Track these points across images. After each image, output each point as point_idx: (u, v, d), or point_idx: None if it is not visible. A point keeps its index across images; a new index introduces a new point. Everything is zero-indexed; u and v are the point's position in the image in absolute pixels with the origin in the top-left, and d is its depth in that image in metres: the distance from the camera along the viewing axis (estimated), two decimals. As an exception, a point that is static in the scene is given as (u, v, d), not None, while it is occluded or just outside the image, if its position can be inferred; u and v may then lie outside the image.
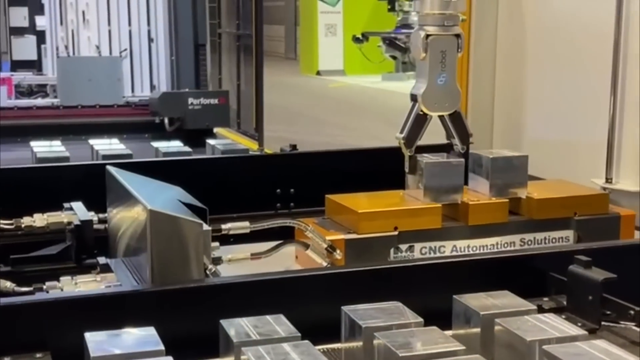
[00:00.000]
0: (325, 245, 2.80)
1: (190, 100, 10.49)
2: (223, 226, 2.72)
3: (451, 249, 3.02)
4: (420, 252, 2.99)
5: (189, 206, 2.73)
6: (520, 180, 3.14)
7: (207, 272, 2.51)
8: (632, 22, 3.60)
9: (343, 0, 17.63)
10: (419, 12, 3.13)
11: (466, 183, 3.23)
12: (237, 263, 2.71)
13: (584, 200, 3.14)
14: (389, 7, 15.47)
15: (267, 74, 16.76)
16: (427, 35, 3.09)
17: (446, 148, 3.72)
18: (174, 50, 11.07)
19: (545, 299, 2.60)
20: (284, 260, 2.99)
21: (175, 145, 4.48)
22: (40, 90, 11.27)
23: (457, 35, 3.12)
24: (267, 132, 10.96)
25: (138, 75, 11.35)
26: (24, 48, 12.55)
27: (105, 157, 3.96)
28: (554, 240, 3.12)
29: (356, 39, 15.77)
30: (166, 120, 10.51)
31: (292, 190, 3.97)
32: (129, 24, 11.21)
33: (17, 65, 12.62)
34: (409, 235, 2.96)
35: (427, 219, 2.98)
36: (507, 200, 3.09)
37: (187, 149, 4.26)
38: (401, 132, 3.18)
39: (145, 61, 11.36)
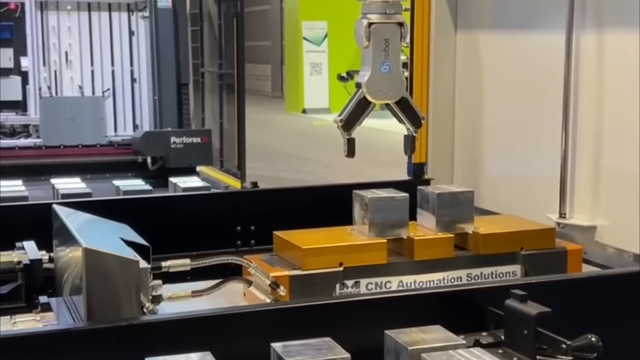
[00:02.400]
0: (268, 282, 2.82)
1: (172, 139, 10.56)
2: (163, 264, 2.73)
3: (397, 284, 3.03)
4: (367, 287, 3.00)
5: (132, 244, 2.74)
6: (466, 215, 3.16)
7: (145, 310, 2.53)
8: (581, 58, 3.65)
9: (328, 39, 17.78)
10: (363, 1, 3.16)
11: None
12: (184, 301, 2.72)
13: (530, 235, 3.16)
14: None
15: (253, 112, 16.87)
16: (370, 24, 3.12)
17: (408, 185, 3.76)
18: (156, 90, 11.14)
19: (484, 333, 2.61)
20: (233, 297, 3.00)
21: (137, 183, 4.51)
22: (23, 130, 11.32)
23: (400, 24, 3.15)
24: (250, 170, 11.01)
25: (121, 115, 11.43)
26: (10, 89, 12.59)
27: (64, 195, 3.99)
28: (501, 275, 3.14)
29: (341, 78, 15.90)
30: (149, 160, 10.57)
31: (252, 227, 3.99)
32: (112, 64, 11.31)
33: (2, 106, 12.67)
34: (355, 271, 2.97)
35: (372, 254, 3.00)
36: (453, 235, 3.11)
37: (147, 187, 4.29)
38: (340, 115, 3.20)
39: (128, 101, 11.44)
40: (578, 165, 3.70)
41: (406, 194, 3.12)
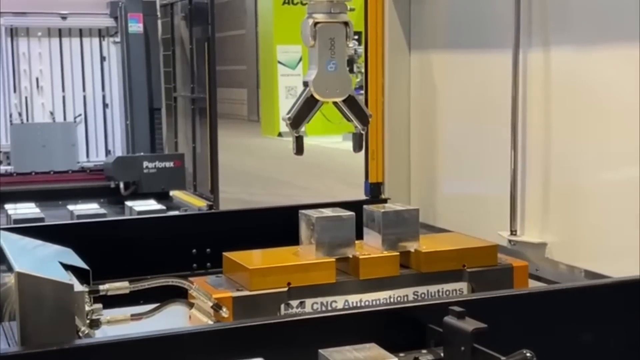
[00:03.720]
0: (210, 304, 2.81)
1: (145, 164, 10.54)
2: (101, 287, 2.71)
3: (343, 303, 3.03)
4: (312, 307, 2.99)
5: (72, 268, 2.73)
6: (411, 234, 3.16)
7: (80, 334, 2.51)
8: (528, 77, 3.68)
9: (302, 63, 17.83)
10: (309, 1, 3.18)
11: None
12: (123, 324, 2.71)
13: (472, 253, 3.17)
14: (348, 68, 15.64)
15: (229, 136, 16.87)
16: (315, 23, 3.14)
17: (364, 204, 3.76)
18: (128, 115, 11.12)
19: (424, 351, 2.62)
20: (176, 320, 2.98)
21: (92, 207, 4.51)
22: (-6, 158, 11.27)
23: (345, 23, 3.17)
24: (224, 194, 10.99)
25: (93, 141, 11.39)
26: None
27: (16, 221, 3.98)
28: (447, 293, 3.14)
29: (316, 100, 15.91)
30: (121, 185, 10.54)
31: (208, 250, 3.99)
32: (84, 90, 11.28)
33: (-26, 133, 12.62)
34: (300, 291, 2.97)
35: (320, 273, 3.00)
36: (398, 253, 3.11)
37: (102, 211, 4.28)
38: (288, 113, 3.21)
39: (100, 126, 11.41)
40: (528, 183, 3.73)
41: (352, 213, 3.13)
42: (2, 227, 3.22)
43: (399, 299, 3.09)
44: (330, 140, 16.44)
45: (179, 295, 2.99)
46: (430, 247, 3.17)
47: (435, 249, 3.17)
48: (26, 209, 4.72)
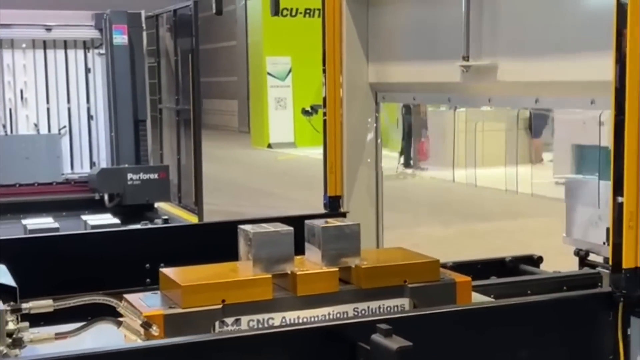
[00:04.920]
0: (139, 322, 2.76)
1: (129, 175, 10.50)
2: (24, 305, 2.67)
3: (280, 320, 2.98)
4: (248, 324, 2.94)
5: (-2, 285, 2.69)
6: (352, 249, 3.11)
7: (-1, 353, 2.47)
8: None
9: (292, 74, 17.78)
10: None
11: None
12: (48, 343, 2.66)
13: (414, 268, 3.12)
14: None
15: (218, 147, 16.83)
16: None
17: (322, 218, 3.70)
18: (113, 127, 11.09)
19: (351, 370, 2.57)
20: (111, 340, 2.93)
21: (46, 221, 4.48)
22: (-23, 169, 11.22)
23: None
24: (209, 205, 10.97)
25: (78, 152, 11.35)
26: (-31, 128, 12.50)
27: (-33, 236, 3.94)
28: (388, 309, 3.09)
29: (305, 112, 15.94)
30: (106, 197, 10.51)
31: (162, 264, 3.93)
32: (68, 102, 11.25)
33: (-39, 145, 12.58)
34: (236, 308, 2.91)
35: (256, 290, 2.94)
36: (337, 269, 3.06)
37: (55, 225, 4.24)
38: None
39: (85, 138, 11.37)
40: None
41: (291, 228, 3.08)
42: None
43: (338, 315, 3.03)
44: (318, 151, 16.41)
45: (117, 313, 2.95)
46: (371, 262, 3.12)
47: (376, 265, 3.11)
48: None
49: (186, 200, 11.16)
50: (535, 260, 4.32)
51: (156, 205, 11.00)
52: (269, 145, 17.07)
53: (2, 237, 3.50)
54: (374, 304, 3.08)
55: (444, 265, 4.22)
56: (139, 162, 11.25)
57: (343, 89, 4.42)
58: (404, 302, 3.11)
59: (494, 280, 4.03)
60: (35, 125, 11.16)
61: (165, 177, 10.81)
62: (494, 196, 13.56)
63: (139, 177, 10.61)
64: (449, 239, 10.63)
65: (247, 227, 3.07)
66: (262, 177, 14.92)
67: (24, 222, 4.66)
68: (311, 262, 3.13)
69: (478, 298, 3.30)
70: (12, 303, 2.66)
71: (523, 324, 2.85)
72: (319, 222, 3.15)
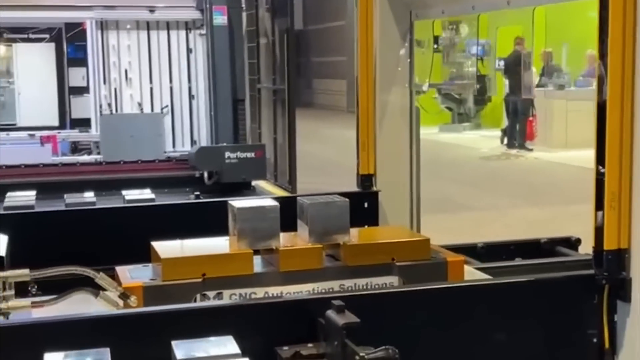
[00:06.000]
0: (117, 292, 2.84)
1: (227, 154, 10.69)
2: (2, 274, 2.79)
3: (263, 295, 3.01)
4: (230, 298, 2.98)
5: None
6: (341, 226, 3.11)
7: (-28, 319, 2.59)
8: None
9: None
10: None
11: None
12: (24, 311, 2.78)
13: (402, 246, 3.09)
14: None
15: (326, 127, 16.90)
16: None
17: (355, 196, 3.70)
18: (212, 106, 11.34)
19: (310, 345, 2.59)
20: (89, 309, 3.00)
21: (144, 192, 4.74)
22: (85, 147, 11.70)
23: None
24: (305, 184, 11.07)
25: (179, 131, 11.66)
26: (82, 107, 13.03)
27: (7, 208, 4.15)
28: (376, 286, 3.07)
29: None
30: (205, 174, 10.77)
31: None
32: (170, 81, 11.56)
33: (75, 124, 13.13)
34: (218, 282, 2.97)
35: (236, 265, 2.99)
36: (321, 246, 3.06)
37: (152, 196, 4.47)
38: None
39: (186, 117, 11.67)
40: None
41: (277, 204, 3.10)
42: None
43: (322, 291, 3.04)
44: (426, 131, 16.25)
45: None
46: (360, 239, 3.11)
47: (363, 242, 3.10)
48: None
49: (282, 179, 11.29)
50: (573, 243, 4.20)
51: (253, 183, 11.19)
52: (376, 125, 17.05)
53: (8, 212, 3.66)
54: (361, 281, 3.08)
55: (475, 246, 4.17)
56: (237, 141, 11.47)
57: (376, 67, 4.38)
58: (392, 280, 3.09)
59: (518, 262, 3.95)
60: (139, 104, 11.53)
61: (262, 156, 10.95)
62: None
63: (236, 156, 10.77)
64: (541, 221, 10.38)
65: (235, 202, 3.11)
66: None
67: (123, 192, 5.00)
68: (299, 238, 3.14)
69: (475, 277, 3.25)
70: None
71: (500, 305, 2.79)
72: (308, 199, 3.16)
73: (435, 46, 16.17)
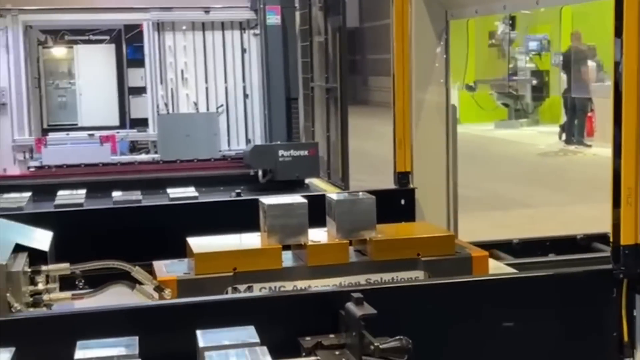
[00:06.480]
0: (152, 286, 2.99)
1: (280, 152, 10.88)
2: (43, 267, 2.95)
3: (292, 289, 3.13)
4: (260, 291, 3.11)
5: (28, 249, 2.99)
6: (367, 222, 3.21)
7: (12, 310, 2.75)
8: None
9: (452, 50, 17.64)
10: None
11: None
12: (66, 302, 2.94)
13: (427, 242, 3.18)
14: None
15: (381, 125, 16.76)
16: None
17: (391, 193, 3.78)
18: (266, 105, 11.49)
19: (332, 335, 2.70)
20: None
21: (187, 190, 4.92)
22: (143, 146, 11.94)
23: None
24: (358, 182, 11.15)
25: (234, 130, 11.83)
26: (140, 107, 13.29)
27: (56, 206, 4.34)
28: (402, 281, 3.17)
29: (468, 87, 15.79)
30: (260, 173, 10.93)
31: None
32: (225, 81, 11.72)
33: (134, 123, 13.42)
34: (248, 276, 3.09)
35: (266, 259, 3.11)
36: (347, 241, 3.17)
37: (195, 194, 4.66)
38: None
39: (240, 116, 11.84)
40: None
41: (305, 201, 3.21)
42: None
43: (350, 285, 3.14)
44: (481, 128, 16.23)
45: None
46: (385, 235, 3.21)
47: (389, 237, 3.20)
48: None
49: (335, 176, 11.39)
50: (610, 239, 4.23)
51: (307, 180, 11.33)
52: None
53: (56, 210, 3.83)
54: (387, 276, 3.17)
55: (510, 242, 4.24)
56: (290, 139, 11.60)
57: (411, 63, 4.45)
58: (418, 275, 3.19)
59: (550, 257, 4.01)
60: (195, 104, 11.72)
61: (315, 154, 11.10)
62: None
63: (290, 154, 10.95)
64: (598, 218, 10.30)
65: (266, 199, 3.23)
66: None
67: (168, 190, 5.25)
68: (327, 234, 3.25)
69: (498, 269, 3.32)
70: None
71: (519, 299, 2.86)
72: (336, 196, 3.26)
73: (492, 41, 16.12)
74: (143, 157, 11.62)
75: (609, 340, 2.89)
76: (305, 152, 11.02)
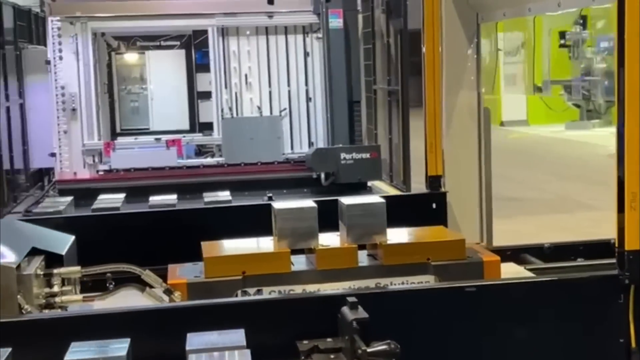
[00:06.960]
0: (162, 288, 3.05)
1: (342, 155, 10.94)
2: (55, 270, 3.03)
3: (301, 292, 3.16)
4: (269, 295, 3.14)
5: (45, 253, 3.08)
6: (378, 226, 3.22)
7: (23, 311, 2.84)
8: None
9: (525, 49, 17.45)
10: None
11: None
12: (77, 304, 3.02)
13: (438, 247, 3.17)
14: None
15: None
16: None
17: (423, 197, 3.77)
18: (329, 108, 11.54)
19: (329, 339, 2.72)
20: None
21: (222, 195, 5.01)
22: (208, 150, 12.11)
23: None
24: (419, 184, 11.11)
25: (297, 133, 11.91)
26: (209, 111, 13.47)
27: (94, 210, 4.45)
28: (412, 285, 3.17)
29: (537, 89, 15.57)
30: (322, 175, 10.99)
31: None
32: (288, 85, 11.81)
33: (201, 127, 13.61)
34: (257, 279, 3.13)
35: (275, 263, 3.15)
36: (356, 245, 3.18)
37: (229, 197, 4.74)
38: None
39: (303, 119, 11.91)
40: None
41: (314, 205, 3.24)
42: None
43: (359, 289, 3.16)
44: (551, 129, 15.99)
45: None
46: (395, 240, 3.21)
47: (398, 242, 3.20)
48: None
49: (397, 179, 11.37)
50: (645, 243, 4.14)
51: (369, 183, 11.34)
52: (502, 123, 16.91)
53: (76, 214, 3.93)
54: (397, 280, 3.18)
55: (542, 246, 4.19)
56: (352, 142, 11.62)
57: (442, 67, 4.44)
58: (428, 279, 3.18)
59: (578, 262, 3.96)
60: (259, 107, 11.84)
61: (377, 157, 11.11)
62: None
63: (352, 157, 11.00)
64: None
65: (275, 204, 3.27)
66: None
67: (204, 194, 5.34)
68: (338, 238, 3.27)
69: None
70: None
71: (526, 304, 2.83)
72: (347, 200, 3.28)
73: (562, 41, 15.88)
74: (208, 160, 11.76)
75: (617, 346, 2.84)
76: (367, 155, 11.04)
